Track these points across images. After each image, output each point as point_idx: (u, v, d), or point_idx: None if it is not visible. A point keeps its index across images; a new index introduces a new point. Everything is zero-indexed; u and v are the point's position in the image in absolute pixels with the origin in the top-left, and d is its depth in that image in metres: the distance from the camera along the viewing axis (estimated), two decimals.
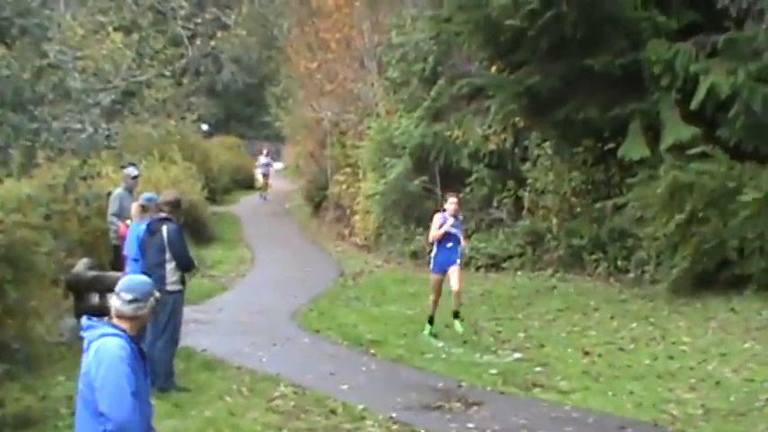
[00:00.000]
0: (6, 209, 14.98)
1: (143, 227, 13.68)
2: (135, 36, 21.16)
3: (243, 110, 66.94)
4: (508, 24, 20.07)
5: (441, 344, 16.40)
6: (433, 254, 17.19)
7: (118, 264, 16.67)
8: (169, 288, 12.76)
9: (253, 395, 13.16)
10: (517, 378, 13.84)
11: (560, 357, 15.03)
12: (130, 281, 6.45)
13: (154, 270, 12.78)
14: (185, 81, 30.48)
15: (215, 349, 15.54)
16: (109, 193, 18.64)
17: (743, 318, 16.41)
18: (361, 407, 12.41)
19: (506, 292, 21.24)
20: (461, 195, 26.13)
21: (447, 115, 27.38)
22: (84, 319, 6.35)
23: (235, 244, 33.05)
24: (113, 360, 5.99)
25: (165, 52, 22.58)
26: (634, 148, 20.15)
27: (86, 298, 16.10)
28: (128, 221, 16.11)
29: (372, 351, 16.08)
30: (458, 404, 12.56)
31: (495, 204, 26.05)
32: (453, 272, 16.79)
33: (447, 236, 16.81)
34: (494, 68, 22.99)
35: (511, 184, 25.45)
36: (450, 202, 17.07)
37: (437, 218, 16.98)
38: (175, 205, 13.66)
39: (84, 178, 17.18)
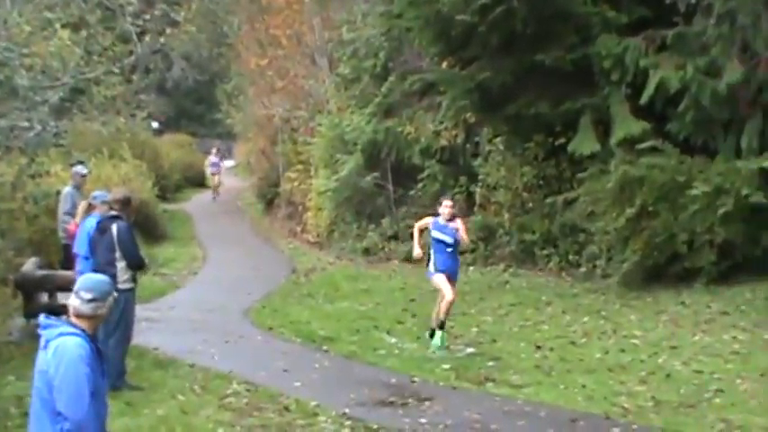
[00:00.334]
0: None
1: (93, 224, 13.57)
2: (83, 33, 20.98)
3: (193, 107, 66.66)
4: (459, 20, 20.09)
5: (393, 340, 16.42)
6: (431, 260, 15.54)
7: (68, 263, 16.46)
8: (120, 286, 12.62)
9: (205, 393, 13.09)
10: (470, 373, 13.88)
11: (513, 352, 15.09)
12: (89, 280, 6.39)
13: (104, 268, 12.54)
14: (135, 78, 30.26)
15: (167, 347, 15.45)
16: (58, 192, 18.51)
17: (693, 311, 16.57)
18: (314, 403, 12.39)
19: (459, 287, 21.12)
20: (412, 192, 26.31)
21: (398, 111, 27.43)
22: (42, 318, 6.28)
23: (187, 242, 32.93)
24: (73, 359, 5.95)
25: (114, 49, 22.42)
26: (584, 142, 20.27)
27: (35, 297, 16.01)
28: (77, 220, 15.99)
29: (325, 347, 16.06)
30: (411, 399, 12.57)
31: None
32: (450, 281, 15.43)
33: (440, 242, 15.35)
34: (445, 64, 23.03)
35: (463, 179, 25.52)
36: (445, 206, 15.46)
37: (428, 219, 16.00)
38: (125, 203, 13.49)
39: (33, 176, 17.13)
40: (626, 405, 11.68)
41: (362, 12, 30.31)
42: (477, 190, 24.73)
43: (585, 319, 16.83)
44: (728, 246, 17.95)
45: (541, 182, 22.64)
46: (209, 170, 49.02)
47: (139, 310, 14.67)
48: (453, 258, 15.62)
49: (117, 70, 22.70)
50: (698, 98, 18.38)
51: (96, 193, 14.93)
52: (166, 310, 19.68)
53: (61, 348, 5.99)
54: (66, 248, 16.99)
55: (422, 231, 16.19)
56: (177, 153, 51.00)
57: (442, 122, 25.76)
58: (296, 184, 33.59)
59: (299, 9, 33.11)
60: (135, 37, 24.47)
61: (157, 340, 15.90)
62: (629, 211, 18.30)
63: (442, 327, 15.46)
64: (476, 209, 24.83)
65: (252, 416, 11.97)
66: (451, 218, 15.36)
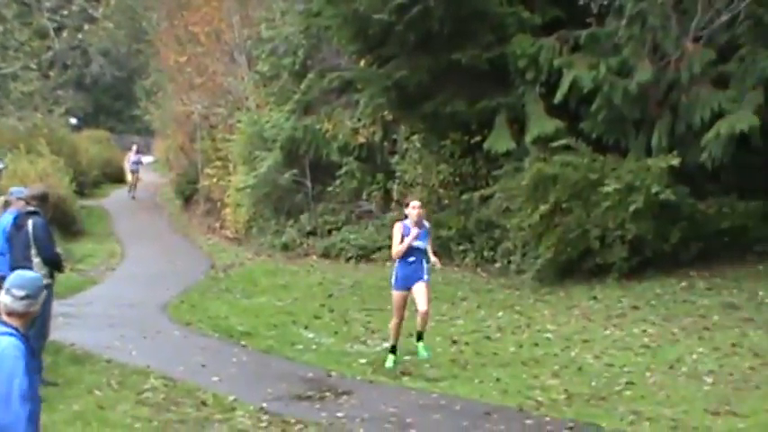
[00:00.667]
0: None
1: (10, 220, 13.39)
2: None
3: (112, 103, 66.00)
4: (376, 18, 20.15)
5: (311, 335, 16.40)
6: (393, 270, 13.78)
7: None
8: (43, 282, 12.50)
9: (122, 388, 12.96)
10: (386, 367, 13.90)
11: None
12: (21, 277, 6.26)
13: (21, 264, 12.30)
14: (52, 74, 29.98)
15: (84, 343, 15.26)
16: None
17: (604, 305, 16.77)
18: (231, 398, 12.33)
19: (376, 282, 21.32)
20: (331, 188, 26.31)
21: (317, 109, 27.45)
22: None
23: (105, 238, 32.61)
24: (7, 359, 5.82)
25: (31, 44, 22.22)
26: (500, 140, 20.43)
27: None
28: None
29: (243, 342, 16.00)
30: (328, 394, 12.56)
31: (364, 197, 26.23)
32: (419, 290, 13.42)
33: (410, 249, 13.43)
34: (363, 62, 23.08)
35: (380, 176, 25.63)
36: (413, 207, 13.51)
37: (397, 228, 13.59)
38: (43, 199, 13.39)
39: None
40: (539, 398, 11.76)
41: (281, 10, 30.35)
42: (395, 187, 24.85)
43: (500, 313, 16.95)
44: (639, 242, 18.20)
45: (457, 179, 22.80)
46: (128, 167, 48.38)
47: (56, 306, 14.45)
48: (419, 264, 13.49)
49: (34, 66, 22.52)
50: (610, 97, 18.63)
51: (13, 189, 14.66)
52: (83, 306, 19.46)
53: None
54: None
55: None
56: (95, 149, 50.40)
57: (359, 120, 25.84)
58: (215, 180, 33.45)
59: (218, 6, 32.97)
60: (52, 32, 24.24)
61: (74, 336, 15.71)
62: (543, 208, 18.47)
63: (393, 350, 13.90)
64: (393, 205, 24.93)
65: (169, 411, 11.88)
66: (421, 220, 13.52)
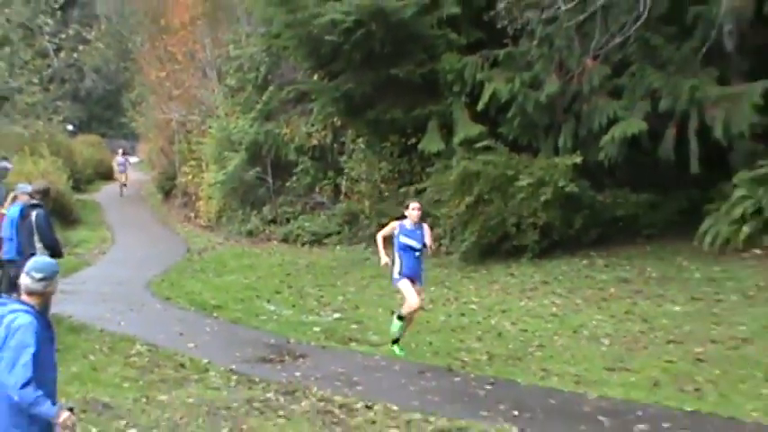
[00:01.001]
0: None
1: (17, 212, 13.34)
2: (6, 49, 20.53)
3: (103, 112, 64.94)
4: (327, 40, 20.08)
5: (272, 307, 16.35)
6: (396, 264, 12.14)
7: None
8: None
9: (112, 353, 12.87)
10: (336, 334, 13.88)
11: (372, 316, 15.12)
12: (39, 262, 6.22)
13: (26, 249, 12.70)
14: (52, 88, 29.61)
15: (80, 315, 15.08)
16: None
17: (519, 281, 16.84)
18: (205, 361, 12.27)
19: (327, 263, 21.30)
20: (288, 183, 26.20)
21: (277, 116, 27.38)
22: None
23: (97, 226, 32.19)
24: (19, 329, 5.81)
25: (34, 63, 22.09)
26: (431, 142, 20.46)
27: None
28: (3, 210, 15.66)
29: (215, 314, 15.91)
30: (287, 357, 12.52)
31: (317, 190, 26.18)
32: (416, 291, 12.15)
33: (412, 246, 12.04)
34: (315, 76, 22.97)
35: (330, 173, 25.59)
36: (413, 208, 12.08)
37: (392, 224, 12.33)
38: (45, 193, 13.52)
39: None
40: (465, 359, 11.81)
41: (246, 33, 30.25)
42: (343, 182, 24.82)
43: (432, 288, 16.93)
44: (548, 227, 18.30)
45: (396, 175, 22.79)
46: (116, 168, 47.72)
47: None
48: (419, 262, 12.27)
49: (36, 81, 22.35)
50: (523, 106, 18.71)
51: (19, 185, 14.67)
52: (79, 284, 19.22)
53: (12, 322, 5.86)
54: None
55: (386, 239, 12.52)
56: (89, 151, 49.75)
57: (313, 125, 25.80)
58: (190, 177, 33.29)
59: (192, 30, 32.74)
60: (52, 53, 24.06)
61: (71, 309, 15.53)
62: (468, 200, 18.52)
63: (400, 318, 12.42)
64: (342, 198, 24.90)
65: (153, 372, 11.81)
66: (419, 221, 12.15)
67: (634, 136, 17.22)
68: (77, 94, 44.94)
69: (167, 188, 39.07)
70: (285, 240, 25.38)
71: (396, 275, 12.14)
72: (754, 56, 17.06)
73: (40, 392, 5.75)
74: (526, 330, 13.34)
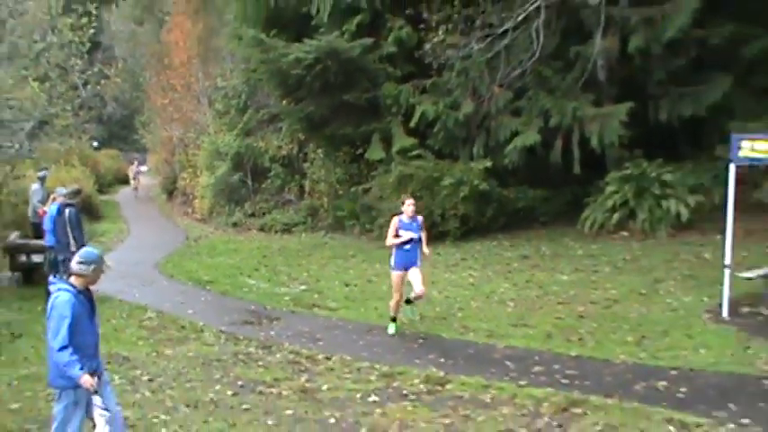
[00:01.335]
0: None
1: (55, 209, 13.50)
2: (47, 84, 20.66)
3: (120, 131, 63.84)
4: (293, 73, 20.03)
5: (253, 282, 16.27)
6: (391, 256, 11.11)
7: (37, 236, 16.54)
8: (73, 250, 12.38)
9: (129, 318, 12.83)
10: (303, 302, 13.86)
11: (330, 288, 15.10)
12: (84, 251, 6.34)
13: (62, 239, 13.12)
14: (81, 113, 29.68)
15: (104, 290, 14.75)
16: (39, 187, 18.22)
17: (444, 258, 16.87)
18: (201, 323, 12.26)
19: (295, 247, 21.23)
20: (264, 185, 26.06)
21: (255, 133, 27.22)
22: (51, 278, 6.21)
23: (116, 220, 31.65)
24: (59, 304, 5.90)
25: (67, 94, 22.34)
26: (375, 152, 20.50)
27: (17, 258, 15.96)
28: (45, 208, 15.81)
29: (208, 287, 15.79)
30: (264, 320, 12.51)
31: (286, 190, 26.03)
32: (414, 274, 10.91)
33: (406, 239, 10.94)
34: (284, 102, 22.88)
35: (297, 176, 25.49)
36: (408, 204, 10.98)
37: (393, 221, 11.07)
38: (77, 193, 13.84)
39: (15, 178, 16.89)
40: (403, 320, 11.89)
41: (230, 68, 30.30)
42: (306, 183, 24.75)
43: (377, 265, 16.94)
44: (466, 217, 18.44)
45: (348, 177, 22.76)
46: (131, 175, 47.12)
47: None
48: (414, 249, 10.94)
49: (69, 108, 22.49)
50: (446, 123, 18.85)
51: (58, 188, 15.02)
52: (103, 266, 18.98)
53: (55, 297, 5.96)
54: (36, 226, 16.95)
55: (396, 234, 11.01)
56: (110, 162, 49.53)
57: (283, 140, 25.69)
58: (188, 181, 33.13)
59: (188, 67, 32.55)
60: (81, 86, 24.10)
61: (98, 285, 15.35)
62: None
63: (393, 320, 11.42)
64: (305, 196, 24.85)
65: (160, 332, 11.81)
66: (414, 214, 10.99)
67: (531, 145, 17.46)
68: (101, 118, 44.36)
69: (170, 190, 38.65)
70: (262, 230, 25.20)
71: (391, 264, 11.11)
72: (621, 84, 17.38)
73: (74, 357, 5.82)
74: (449, 297, 13.43)
